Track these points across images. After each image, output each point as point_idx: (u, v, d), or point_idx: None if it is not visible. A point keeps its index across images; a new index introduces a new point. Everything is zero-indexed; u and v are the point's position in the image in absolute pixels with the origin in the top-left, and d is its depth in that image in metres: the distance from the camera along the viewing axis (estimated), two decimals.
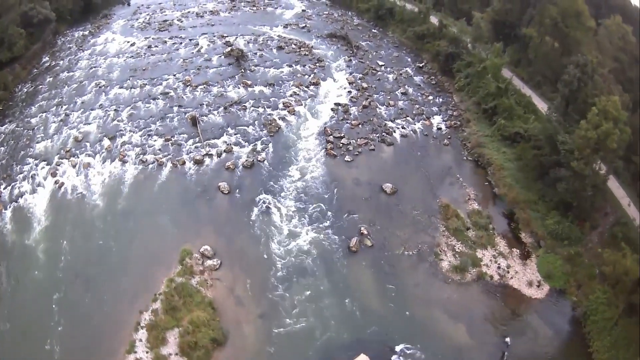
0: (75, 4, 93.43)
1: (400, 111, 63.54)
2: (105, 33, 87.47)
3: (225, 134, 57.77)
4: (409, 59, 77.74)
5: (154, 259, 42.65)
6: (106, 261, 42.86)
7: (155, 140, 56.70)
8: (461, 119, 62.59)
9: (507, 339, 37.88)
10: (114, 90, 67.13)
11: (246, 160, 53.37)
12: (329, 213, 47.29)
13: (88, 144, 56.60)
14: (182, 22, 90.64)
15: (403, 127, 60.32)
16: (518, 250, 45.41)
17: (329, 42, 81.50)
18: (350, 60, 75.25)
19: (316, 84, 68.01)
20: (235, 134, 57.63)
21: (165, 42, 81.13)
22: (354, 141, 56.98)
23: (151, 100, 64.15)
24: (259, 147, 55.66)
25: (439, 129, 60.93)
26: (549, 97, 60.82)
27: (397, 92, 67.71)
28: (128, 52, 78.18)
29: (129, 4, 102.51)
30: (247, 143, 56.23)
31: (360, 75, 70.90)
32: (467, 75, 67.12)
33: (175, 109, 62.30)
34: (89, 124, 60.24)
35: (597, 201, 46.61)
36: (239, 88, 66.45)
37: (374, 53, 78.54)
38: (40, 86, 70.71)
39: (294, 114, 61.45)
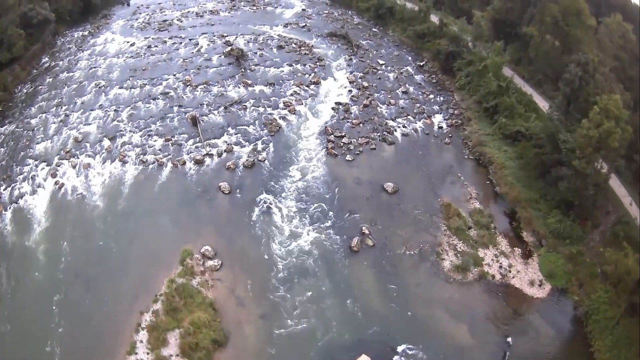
0: (75, 5, 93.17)
1: (401, 110, 63.40)
2: (104, 33, 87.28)
3: (225, 133, 57.64)
4: (410, 58, 77.57)
5: (155, 259, 42.51)
6: (106, 262, 42.72)
7: (155, 141, 56.57)
8: (462, 118, 62.46)
9: (509, 339, 37.78)
10: (114, 91, 66.99)
11: (247, 160, 53.22)
12: (330, 213, 47.17)
13: (88, 145, 56.46)
14: (181, 21, 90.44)
15: (404, 126, 60.18)
16: (520, 250, 45.26)
17: (329, 41, 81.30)
18: (351, 59, 75.10)
19: (317, 83, 67.86)
20: (235, 134, 57.49)
21: (165, 42, 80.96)
22: (355, 140, 56.82)
23: (151, 101, 64.00)
24: (260, 146, 55.51)
25: (440, 127, 60.79)
26: (549, 96, 60.74)
27: (397, 91, 67.55)
28: (128, 52, 78.01)
29: (128, 4, 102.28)
30: (247, 143, 56.10)
31: (361, 74, 70.75)
32: (468, 74, 66.97)
33: (176, 108, 62.16)
34: (89, 124, 60.10)
35: (599, 200, 46.48)
36: (239, 87, 66.31)
37: (375, 52, 78.36)
38: (40, 87, 70.55)
39: (294, 114, 61.31)
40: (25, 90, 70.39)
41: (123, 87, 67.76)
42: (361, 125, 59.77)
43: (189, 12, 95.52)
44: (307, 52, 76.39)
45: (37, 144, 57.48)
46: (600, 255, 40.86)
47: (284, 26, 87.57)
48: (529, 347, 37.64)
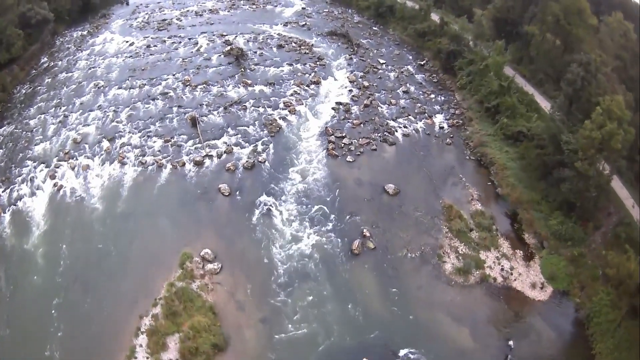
0: (74, 4, 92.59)
1: (402, 110, 63.09)
2: (103, 33, 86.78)
3: (225, 134, 57.25)
4: (410, 57, 77.24)
5: (154, 262, 42.18)
6: (106, 265, 42.37)
7: (154, 142, 56.20)
8: (463, 118, 62.15)
9: (510, 342, 37.55)
10: (113, 91, 66.58)
11: (247, 161, 52.87)
12: (331, 215, 46.80)
13: (87, 146, 56.06)
14: (181, 21, 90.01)
15: (405, 126, 59.85)
16: (521, 252, 44.97)
17: (329, 40, 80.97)
18: (351, 58, 74.78)
19: (317, 83, 67.52)
20: (235, 135, 57.13)
21: (164, 41, 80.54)
22: (355, 141, 56.50)
23: (150, 101, 63.60)
24: (260, 147, 55.15)
25: (441, 127, 60.47)
26: (551, 96, 60.49)
27: (398, 91, 67.24)
28: (127, 52, 77.59)
29: (127, 4, 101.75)
30: (247, 144, 55.72)
31: (362, 74, 70.42)
32: (469, 73, 66.60)
33: (175, 109, 61.78)
34: (88, 125, 59.69)
35: (601, 201, 46.20)
36: (239, 87, 65.97)
37: (375, 51, 78.02)
38: (39, 87, 70.08)
39: (294, 114, 60.96)
40: (24, 91, 69.87)
41: (122, 87, 67.33)
42: (362, 125, 59.42)
43: (188, 11, 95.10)
44: (307, 51, 76.05)
45: (35, 145, 57.00)
46: (601, 257, 40.73)
47: (283, 25, 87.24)
48: (531, 350, 37.35)
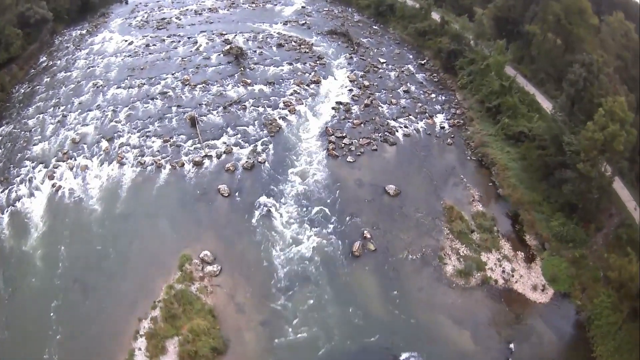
0: (73, 3, 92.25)
1: (402, 110, 62.74)
2: (102, 32, 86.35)
3: (224, 134, 56.96)
4: (411, 56, 76.86)
5: (153, 264, 41.95)
6: (104, 267, 42.15)
7: (153, 142, 55.92)
8: (464, 118, 61.80)
9: (511, 345, 37.33)
10: (112, 90, 66.28)
11: (246, 161, 52.56)
12: (331, 216, 46.51)
13: (85, 146, 55.81)
14: (180, 20, 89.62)
15: (406, 126, 59.52)
16: (523, 253, 44.66)
17: (329, 39, 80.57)
18: (352, 57, 74.41)
19: (317, 82, 67.19)
20: (235, 135, 56.83)
21: (164, 40, 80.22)
22: (356, 141, 56.18)
23: (149, 100, 63.31)
24: (259, 147, 54.85)
25: (442, 127, 60.12)
26: (552, 95, 60.21)
27: (399, 90, 66.89)
28: (126, 51, 77.26)
29: (126, 2, 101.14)
30: (247, 144, 55.43)
31: (362, 73, 70.08)
32: (470, 73, 66.20)
33: (174, 109, 61.50)
34: (87, 125, 59.43)
35: (603, 203, 45.90)
36: (238, 87, 65.67)
37: (375, 50, 77.62)
38: (38, 87, 69.81)
39: (294, 114, 60.65)
40: (22, 90, 69.62)
41: (121, 86, 67.05)
42: (362, 125, 59.10)
43: (187, 10, 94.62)
44: (307, 50, 75.69)
45: (34, 145, 56.82)
46: (603, 259, 40.53)
47: (283, 24, 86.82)
48: (532, 352, 37.14)
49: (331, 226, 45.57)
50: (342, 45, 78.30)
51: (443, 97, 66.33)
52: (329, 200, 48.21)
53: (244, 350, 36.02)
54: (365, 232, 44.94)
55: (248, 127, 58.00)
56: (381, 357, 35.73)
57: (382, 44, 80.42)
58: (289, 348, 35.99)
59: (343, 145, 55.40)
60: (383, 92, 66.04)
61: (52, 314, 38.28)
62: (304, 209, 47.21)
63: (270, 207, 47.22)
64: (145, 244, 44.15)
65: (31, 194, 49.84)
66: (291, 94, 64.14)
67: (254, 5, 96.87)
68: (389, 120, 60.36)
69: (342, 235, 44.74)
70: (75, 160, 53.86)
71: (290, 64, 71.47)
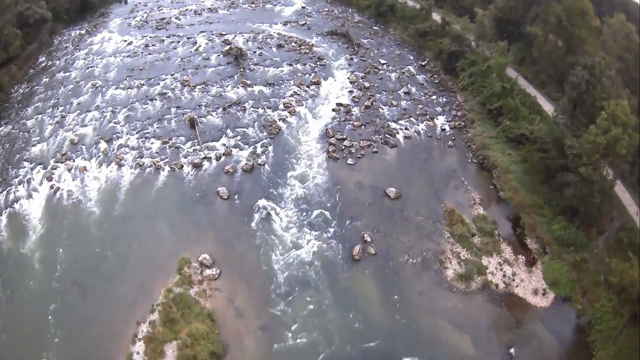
0: (72, 3, 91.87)
1: (403, 111, 62.44)
2: (102, 32, 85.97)
3: (224, 136, 56.64)
4: (411, 57, 76.52)
5: (152, 267, 41.69)
6: (103, 270, 41.88)
7: (152, 143, 55.61)
8: (465, 120, 61.49)
9: (512, 350, 37.15)
10: (111, 91, 65.96)
11: (246, 163, 52.26)
12: (331, 220, 46.22)
13: (84, 147, 55.52)
14: (179, 20, 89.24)
15: (406, 128, 59.24)
16: (524, 257, 44.43)
17: (329, 40, 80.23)
18: (352, 58, 74.10)
19: (317, 84, 66.87)
20: (234, 136, 56.51)
21: (163, 40, 79.87)
22: (356, 143, 55.87)
23: (148, 101, 63.00)
24: (259, 149, 54.53)
25: (443, 130, 59.81)
26: (553, 97, 59.97)
27: (399, 92, 66.57)
28: (125, 52, 76.92)
29: (126, 2, 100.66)
30: (246, 145, 55.13)
31: (362, 74, 69.77)
32: (471, 74, 65.89)
33: (173, 110, 61.18)
34: (85, 126, 59.13)
35: (604, 206, 45.63)
36: (238, 88, 65.34)
37: (376, 51, 77.30)
38: (37, 87, 69.50)
39: (294, 115, 60.33)
40: (21, 91, 69.33)
41: (120, 87, 66.73)
42: (363, 127, 58.81)
43: (187, 10, 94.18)
44: (307, 51, 75.36)
45: (32, 146, 56.54)
46: (603, 263, 40.33)
47: (283, 24, 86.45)
48: (532, 357, 37.01)
49: (331, 230, 45.26)
50: (343, 46, 77.98)
51: (444, 99, 66.00)
52: (329, 204, 47.89)
53: (243, 355, 35.75)
54: (365, 235, 44.64)
55: (247, 128, 57.69)
56: None
57: (383, 44, 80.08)
58: (288, 353, 35.74)
59: (343, 147, 55.11)
60: (383, 94, 65.74)
61: (50, 317, 38.07)
62: (304, 212, 46.91)
63: (270, 210, 46.93)
64: (144, 247, 43.87)
65: (29, 196, 49.58)
66: (291, 96, 63.81)
67: (253, 5, 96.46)
68: (389, 122, 60.05)
69: (342, 239, 44.45)
70: (74, 161, 53.60)
71: (290, 64, 71.13)
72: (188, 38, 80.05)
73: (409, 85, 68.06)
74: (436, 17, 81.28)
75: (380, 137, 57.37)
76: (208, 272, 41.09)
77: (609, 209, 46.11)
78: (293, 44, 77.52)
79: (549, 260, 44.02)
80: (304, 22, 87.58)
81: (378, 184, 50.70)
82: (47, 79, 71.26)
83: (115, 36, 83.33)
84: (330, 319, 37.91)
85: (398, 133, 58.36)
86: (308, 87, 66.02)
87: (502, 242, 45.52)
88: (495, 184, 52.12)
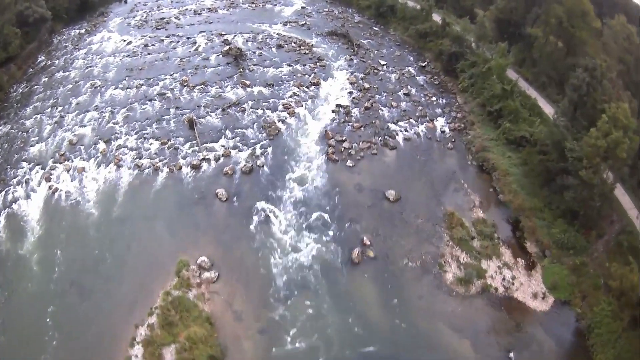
0: (72, 2, 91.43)
1: (403, 113, 62.11)
2: (101, 31, 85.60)
3: (223, 137, 56.33)
4: (411, 58, 76.15)
5: (150, 270, 41.49)
6: (101, 272, 41.72)
7: (151, 144, 55.38)
8: (465, 122, 61.18)
9: (511, 354, 37.01)
10: (110, 91, 65.67)
11: (245, 165, 52.03)
12: (330, 222, 45.99)
13: (83, 148, 55.28)
14: (179, 19, 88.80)
15: (406, 130, 58.95)
16: (523, 261, 44.22)
17: (329, 41, 79.80)
18: (352, 59, 73.71)
19: (317, 84, 66.55)
20: (233, 137, 56.24)
21: (162, 40, 79.47)
22: (355, 145, 55.60)
23: (147, 102, 62.71)
24: (258, 151, 54.26)
25: (443, 131, 59.51)
26: (553, 99, 59.70)
27: (399, 93, 66.19)
28: (124, 51, 76.57)
29: (125, 2, 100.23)
30: (245, 147, 54.85)
31: (362, 75, 69.40)
32: (471, 76, 65.50)
33: (172, 110, 60.84)
34: (84, 126, 58.89)
35: (604, 209, 45.52)
36: (237, 88, 65.01)
37: (376, 52, 76.92)
38: (36, 86, 69.24)
39: (294, 116, 60.01)
40: (20, 90, 69.07)
41: (119, 87, 66.40)
42: (362, 128, 58.52)
43: (186, 9, 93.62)
44: (306, 51, 75.03)
45: (31, 146, 56.32)
46: (603, 267, 40.21)
47: (283, 24, 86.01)
48: None
49: (330, 233, 45.06)
50: (342, 47, 77.61)
51: (444, 100, 65.70)
52: (328, 206, 47.64)
53: (242, 359, 35.57)
54: (364, 238, 44.44)
55: (247, 129, 57.43)
56: None
57: (383, 45, 79.71)
58: (287, 357, 35.57)
59: (342, 149, 54.86)
60: (383, 95, 65.41)
61: (48, 319, 37.94)
62: (303, 215, 46.67)
63: (269, 212, 46.68)
64: (142, 249, 43.70)
65: (28, 196, 49.43)
66: (290, 96, 63.50)
67: (253, 5, 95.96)
68: (389, 124, 59.74)
69: (341, 241, 44.25)
70: (72, 162, 53.41)
71: (290, 65, 70.76)
72: (187, 38, 79.64)
73: (408, 87, 67.74)
74: (436, 17, 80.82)
75: (379, 138, 57.14)
76: (207, 275, 40.89)
77: (609, 212, 46.00)
78: (293, 44, 77.19)
79: (549, 264, 43.86)
80: (303, 22, 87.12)
81: (377, 187, 50.45)
82: (46, 79, 71.01)
83: (115, 36, 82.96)
84: (330, 323, 37.77)
85: (398, 135, 58.10)
86: (307, 88, 65.70)
87: (501, 246, 45.32)
88: (495, 187, 51.84)
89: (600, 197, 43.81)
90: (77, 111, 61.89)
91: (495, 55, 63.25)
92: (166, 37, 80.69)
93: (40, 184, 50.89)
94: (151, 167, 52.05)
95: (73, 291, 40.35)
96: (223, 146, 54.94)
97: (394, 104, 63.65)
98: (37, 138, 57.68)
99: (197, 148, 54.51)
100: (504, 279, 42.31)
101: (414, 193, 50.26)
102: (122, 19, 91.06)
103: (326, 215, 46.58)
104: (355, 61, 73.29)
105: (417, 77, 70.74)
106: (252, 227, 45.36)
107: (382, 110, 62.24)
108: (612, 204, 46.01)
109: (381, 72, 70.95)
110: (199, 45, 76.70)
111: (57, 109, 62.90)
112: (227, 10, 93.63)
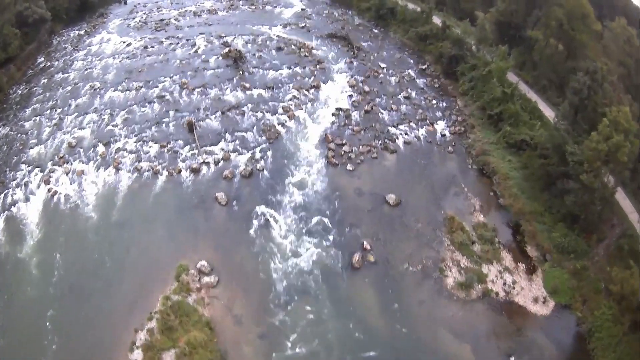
0: (72, 3, 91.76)
1: (403, 116, 62.00)
2: (101, 33, 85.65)
3: (222, 140, 56.13)
4: (412, 61, 76.10)
5: (149, 274, 41.28)
6: (100, 276, 41.50)
7: (150, 147, 55.16)
8: (465, 125, 61.05)
9: (512, 358, 36.91)
10: (109, 93, 65.48)
11: (244, 169, 51.85)
12: (330, 227, 45.80)
13: (82, 150, 55.08)
14: (179, 21, 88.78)
15: (406, 134, 58.81)
16: (524, 265, 44.12)
17: (329, 43, 79.75)
18: (352, 62, 73.63)
19: (317, 87, 66.43)
20: (233, 141, 56.03)
21: (162, 42, 79.32)
22: (355, 148, 55.46)
23: (147, 104, 62.49)
24: (258, 154, 54.09)
25: (443, 135, 59.41)
26: (554, 103, 59.54)
27: (399, 96, 66.05)
28: (124, 53, 76.43)
29: (125, 3, 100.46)
30: (245, 150, 54.65)
31: (362, 78, 69.26)
32: (472, 79, 65.35)
33: (172, 113, 60.62)
34: (83, 128, 58.69)
35: (605, 213, 45.40)
36: (237, 91, 64.80)
37: (376, 54, 76.85)
38: (35, 88, 69.14)
39: (293, 119, 59.88)
40: (19, 92, 69.04)
41: (118, 89, 66.18)
42: (362, 132, 58.36)
43: (186, 11, 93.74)
44: (306, 54, 74.88)
45: (30, 148, 56.17)
46: (604, 271, 40.10)
47: (283, 27, 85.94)
48: None
49: (330, 237, 44.88)
50: (342, 49, 77.50)
51: (444, 104, 65.59)
52: (328, 211, 47.45)
53: None
54: (365, 243, 44.28)
55: (246, 133, 57.23)
56: None
57: (383, 48, 79.62)
58: None
59: (342, 152, 54.69)
60: (383, 98, 65.26)
61: (47, 323, 37.74)
62: (303, 220, 46.48)
63: (269, 217, 46.48)
64: (142, 253, 43.47)
65: (27, 199, 49.24)
66: (290, 99, 63.32)
67: (253, 7, 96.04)
68: (389, 127, 59.57)
69: (341, 246, 44.09)
70: (72, 164, 53.22)
71: (290, 68, 70.61)
72: (187, 40, 79.49)
73: (409, 90, 67.64)
74: (437, 20, 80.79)
75: (379, 142, 56.99)
76: (206, 279, 40.69)
77: (610, 216, 45.85)
78: (292, 46, 77.02)
79: (549, 268, 43.74)
80: (303, 24, 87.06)
81: (377, 191, 50.30)
82: (45, 80, 70.92)
83: (114, 37, 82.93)
84: (330, 328, 37.61)
85: (398, 138, 57.95)
86: (307, 90, 65.50)
87: (502, 250, 45.21)
88: (495, 191, 51.72)
89: (601, 201, 43.69)
90: (76, 113, 61.74)
91: (495, 58, 63.13)
92: (166, 38, 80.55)
93: (40, 186, 50.71)
94: (150, 170, 51.85)
95: (72, 295, 40.10)
96: (223, 149, 54.75)
97: (394, 107, 63.51)
98: (36, 140, 57.53)
99: (196, 151, 54.30)
100: (504, 284, 42.19)
101: (414, 197, 50.10)
102: (121, 20, 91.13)
103: (326, 220, 46.41)
104: (355, 64, 73.19)
105: (417, 80, 70.67)
106: (251, 231, 45.18)
107: (382, 114, 62.10)
108: (612, 207, 45.84)
109: (381, 75, 70.83)
110: (199, 48, 76.51)
111: (56, 110, 62.75)
112: (227, 12, 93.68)
